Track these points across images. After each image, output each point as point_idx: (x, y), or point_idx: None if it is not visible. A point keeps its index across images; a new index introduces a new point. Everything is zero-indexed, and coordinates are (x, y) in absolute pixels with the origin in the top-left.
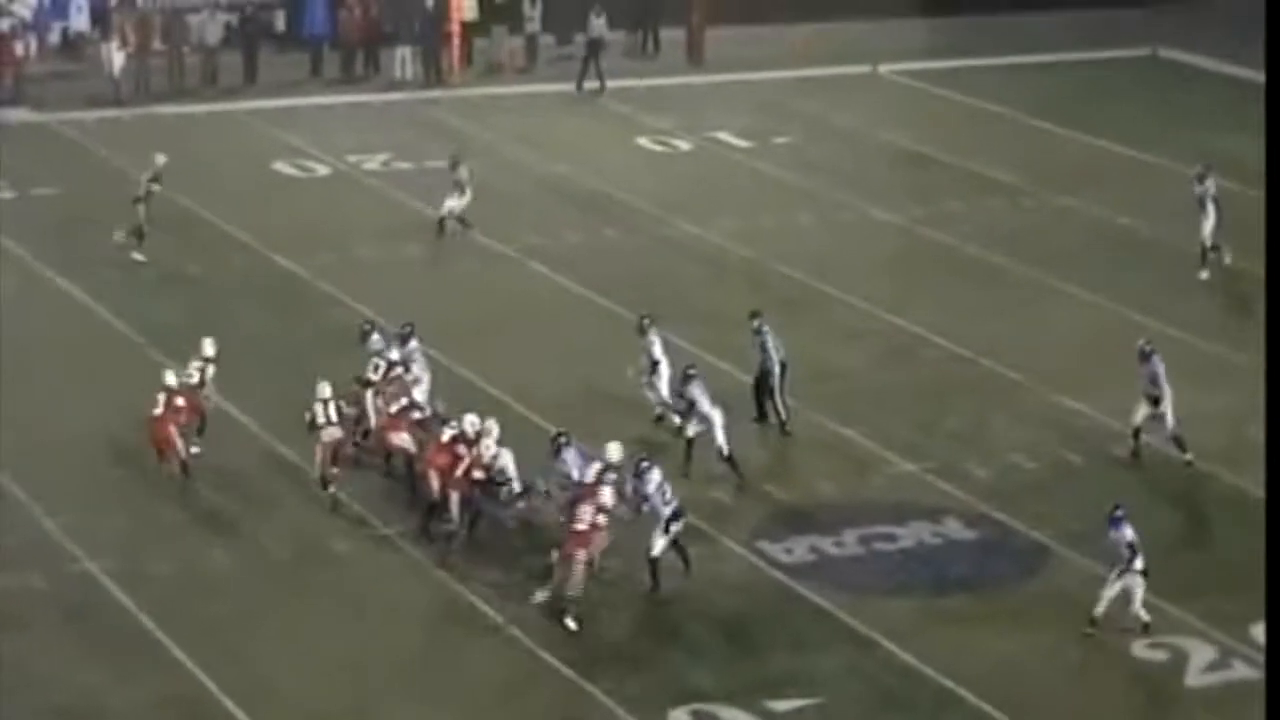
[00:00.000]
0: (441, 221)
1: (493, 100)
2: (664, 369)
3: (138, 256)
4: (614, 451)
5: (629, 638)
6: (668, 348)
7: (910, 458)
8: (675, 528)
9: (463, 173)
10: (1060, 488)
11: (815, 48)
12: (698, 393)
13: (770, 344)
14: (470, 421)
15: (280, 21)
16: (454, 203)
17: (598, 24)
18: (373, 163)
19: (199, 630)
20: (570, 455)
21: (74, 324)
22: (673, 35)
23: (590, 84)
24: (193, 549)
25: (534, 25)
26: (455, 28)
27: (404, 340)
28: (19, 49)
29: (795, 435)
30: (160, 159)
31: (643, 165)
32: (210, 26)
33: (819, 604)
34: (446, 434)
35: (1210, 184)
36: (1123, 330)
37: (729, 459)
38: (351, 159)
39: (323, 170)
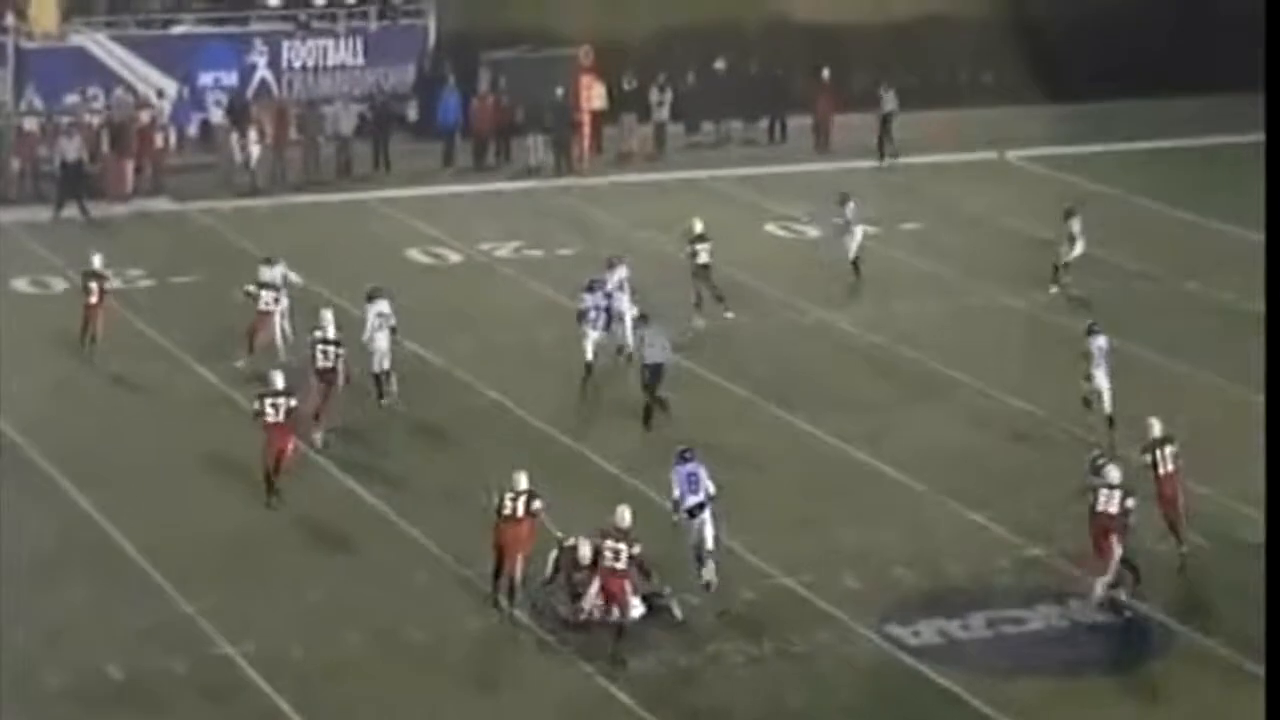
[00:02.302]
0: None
1: (622, 188)
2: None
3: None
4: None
5: (760, 717)
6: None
7: (1038, 541)
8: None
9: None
10: (1186, 570)
11: (943, 134)
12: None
13: (653, 341)
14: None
15: (413, 111)
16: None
17: (888, 98)
18: (504, 250)
19: (336, 713)
20: (685, 470)
21: (212, 411)
22: (799, 123)
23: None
24: (329, 633)
25: (662, 114)
26: (585, 116)
27: None
28: (159, 140)
29: (925, 518)
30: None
31: (772, 251)
32: (344, 117)
33: (946, 687)
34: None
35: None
36: (1249, 412)
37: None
38: (484, 246)
39: (455, 258)
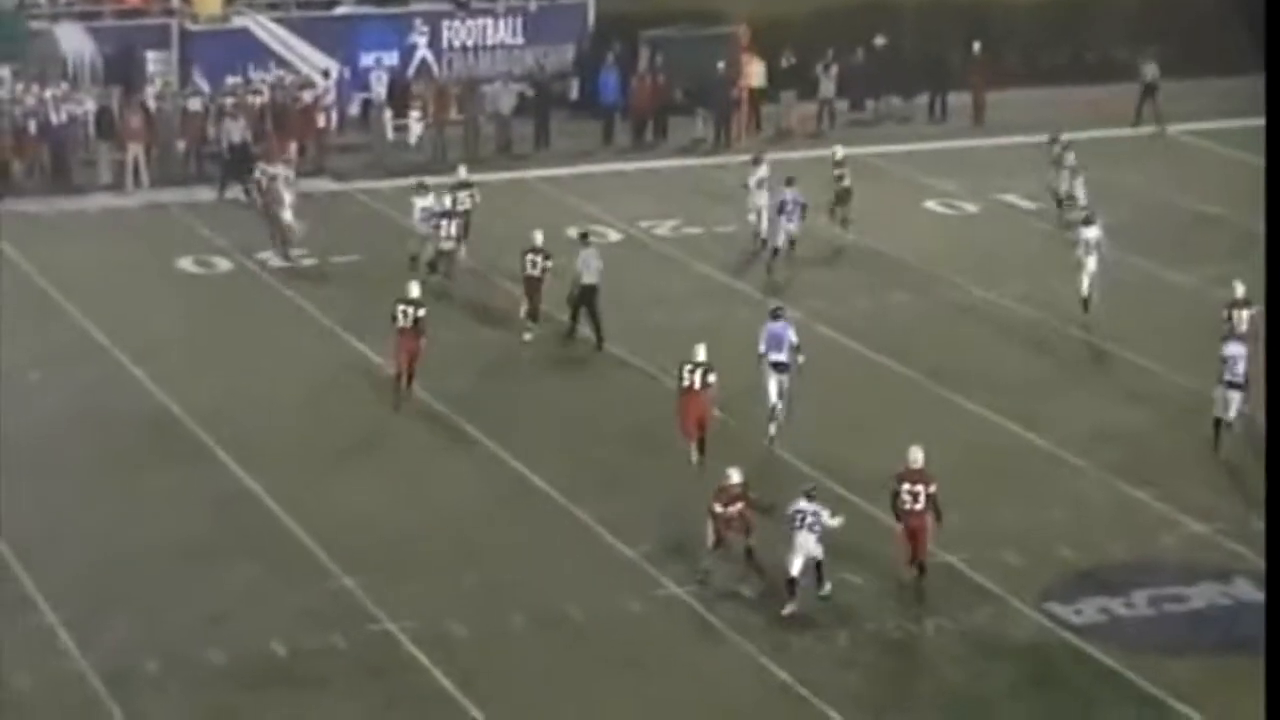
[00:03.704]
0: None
1: (780, 165)
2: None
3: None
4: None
5: (921, 695)
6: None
7: (1200, 519)
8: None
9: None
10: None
11: (1103, 109)
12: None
13: (587, 262)
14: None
15: (574, 90)
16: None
17: (1149, 69)
18: (663, 228)
19: (497, 691)
20: (774, 328)
21: (376, 395)
22: (957, 100)
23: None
24: (491, 612)
25: (828, 91)
26: (744, 94)
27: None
28: (321, 120)
29: (1085, 495)
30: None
31: (931, 228)
32: (504, 96)
33: (1108, 664)
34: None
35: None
36: None
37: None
38: (643, 224)
39: (615, 235)
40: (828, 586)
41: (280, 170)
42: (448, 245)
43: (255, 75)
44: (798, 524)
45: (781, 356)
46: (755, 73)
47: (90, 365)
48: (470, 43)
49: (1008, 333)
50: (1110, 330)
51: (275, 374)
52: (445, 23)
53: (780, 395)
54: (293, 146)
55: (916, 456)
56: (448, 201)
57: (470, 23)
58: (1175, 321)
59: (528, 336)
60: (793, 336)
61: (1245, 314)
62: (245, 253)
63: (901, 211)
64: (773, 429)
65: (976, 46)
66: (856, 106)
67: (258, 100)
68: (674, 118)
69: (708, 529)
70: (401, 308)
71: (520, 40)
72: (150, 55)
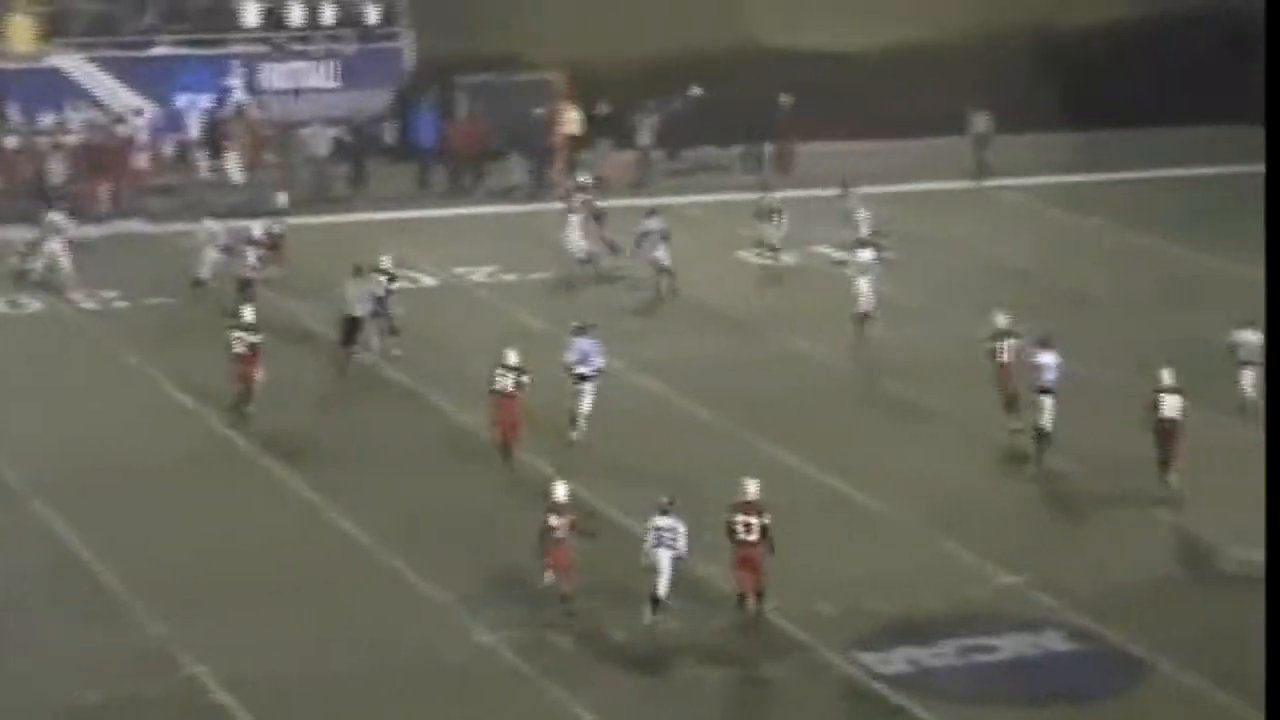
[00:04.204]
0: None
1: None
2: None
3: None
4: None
5: None
6: None
7: (1011, 570)
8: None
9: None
10: (1162, 602)
11: (927, 161)
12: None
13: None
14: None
15: (390, 134)
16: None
17: (980, 120)
18: (479, 274)
19: None
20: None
21: (187, 435)
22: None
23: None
24: (304, 655)
25: (644, 139)
26: (560, 140)
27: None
28: (136, 161)
29: (895, 546)
30: None
31: (746, 278)
32: (320, 139)
33: (918, 714)
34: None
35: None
36: (1234, 442)
37: None
38: (459, 270)
39: (430, 280)
40: (655, 615)
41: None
42: (252, 273)
43: (68, 116)
44: (656, 541)
45: (587, 369)
46: (572, 119)
47: None
48: (287, 85)
49: (823, 383)
50: (922, 382)
51: (85, 415)
52: (262, 65)
53: (585, 405)
54: (103, 188)
55: (750, 488)
56: (256, 230)
57: (287, 65)
58: (983, 375)
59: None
60: (599, 359)
61: (1008, 344)
62: (56, 293)
63: (717, 261)
64: (574, 435)
65: (784, 99)
66: (672, 156)
67: (71, 139)
68: (492, 162)
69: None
70: (237, 334)
71: (338, 84)
72: None
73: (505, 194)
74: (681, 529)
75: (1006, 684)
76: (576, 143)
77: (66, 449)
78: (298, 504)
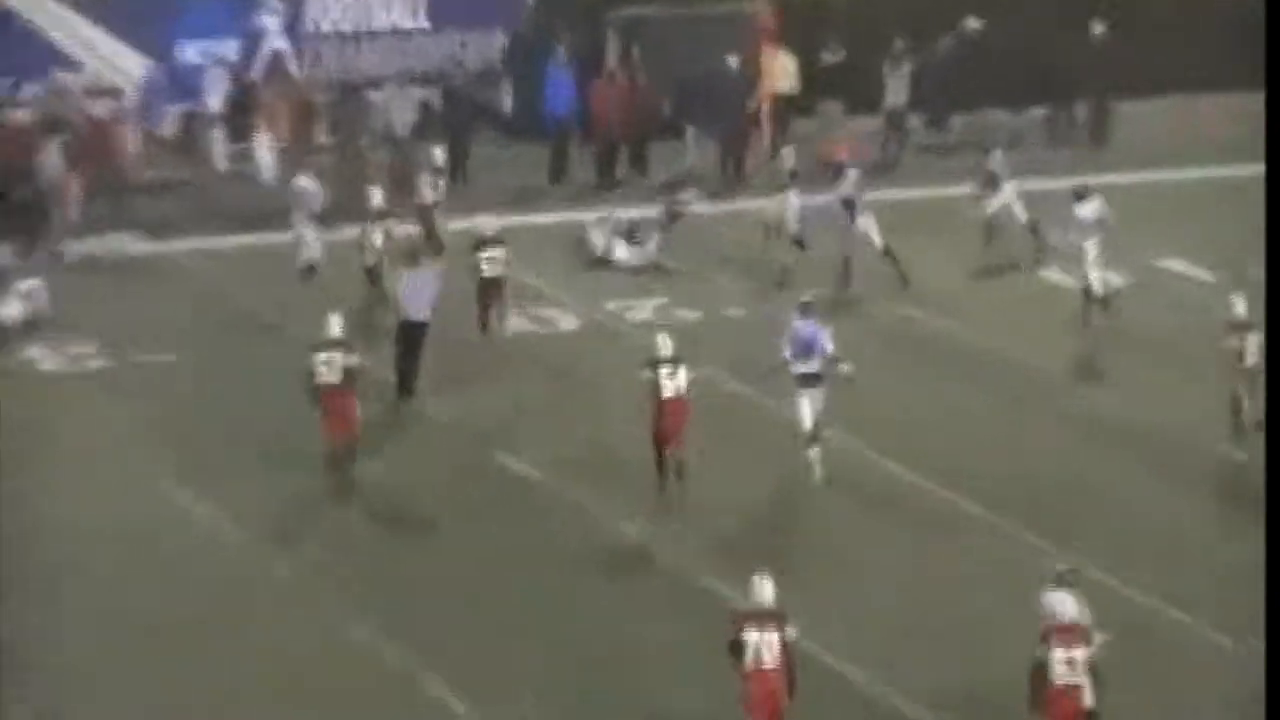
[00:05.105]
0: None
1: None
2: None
3: None
4: None
5: None
6: None
7: None
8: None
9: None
10: None
11: None
12: None
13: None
14: None
15: (505, 100)
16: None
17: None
18: (641, 311)
19: None
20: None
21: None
22: None
23: None
24: None
25: (895, 99)
26: (763, 104)
27: None
28: (128, 141)
29: None
30: None
31: None
32: (398, 108)
33: None
34: None
35: None
36: None
37: None
38: (611, 307)
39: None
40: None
41: None
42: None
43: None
44: None
45: (811, 368)
46: (783, 71)
47: None
48: (347, 27)
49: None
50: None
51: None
52: None
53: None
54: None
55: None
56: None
57: None
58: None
59: None
60: (828, 343)
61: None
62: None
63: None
64: (812, 455)
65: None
66: (937, 124)
67: (21, 116)
68: (656, 142)
69: None
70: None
71: (424, 23)
72: None
73: (677, 187)
74: None
75: None
76: (789, 104)
77: None
78: None
